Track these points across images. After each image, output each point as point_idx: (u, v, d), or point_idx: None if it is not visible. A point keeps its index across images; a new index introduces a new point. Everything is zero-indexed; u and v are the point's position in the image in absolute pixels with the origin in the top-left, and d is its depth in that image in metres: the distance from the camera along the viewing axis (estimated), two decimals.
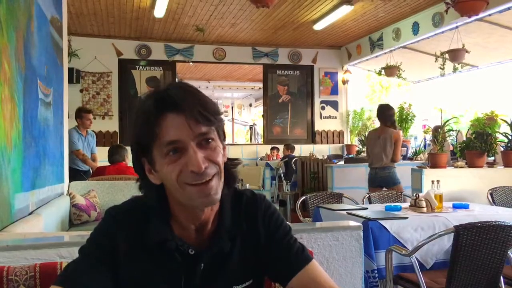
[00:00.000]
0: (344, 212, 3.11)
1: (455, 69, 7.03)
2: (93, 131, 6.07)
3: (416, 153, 6.91)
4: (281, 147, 9.08)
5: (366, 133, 8.65)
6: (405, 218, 2.87)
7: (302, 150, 9.11)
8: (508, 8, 5.63)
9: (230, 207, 1.04)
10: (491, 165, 4.56)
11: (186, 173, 0.90)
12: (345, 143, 9.55)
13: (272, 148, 9.24)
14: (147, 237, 0.97)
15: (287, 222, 1.11)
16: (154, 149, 0.92)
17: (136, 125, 0.94)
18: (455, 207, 3.30)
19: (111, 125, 8.38)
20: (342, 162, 6.49)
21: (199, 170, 0.89)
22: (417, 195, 3.27)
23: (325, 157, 7.39)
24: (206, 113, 0.91)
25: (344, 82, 9.62)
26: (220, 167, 0.94)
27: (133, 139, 0.96)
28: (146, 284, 0.97)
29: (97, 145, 7.00)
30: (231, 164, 1.02)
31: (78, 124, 5.54)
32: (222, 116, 0.99)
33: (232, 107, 15.55)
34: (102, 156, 5.99)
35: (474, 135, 4.47)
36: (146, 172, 0.97)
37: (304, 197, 4.00)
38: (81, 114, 5.56)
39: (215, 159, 0.93)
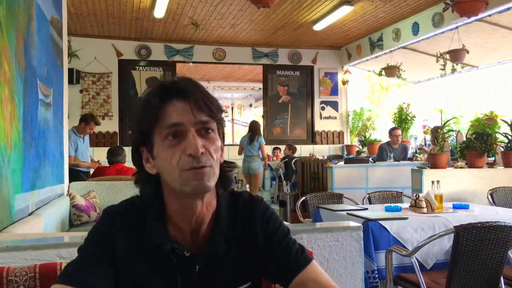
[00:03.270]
0: (344, 212, 3.11)
1: (453, 70, 7.03)
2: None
3: (416, 154, 6.91)
4: (282, 147, 9.10)
5: (366, 134, 8.72)
6: (405, 218, 2.87)
7: (302, 150, 9.11)
8: (508, 9, 5.63)
9: (227, 209, 1.04)
10: (491, 165, 4.56)
11: (184, 158, 0.91)
12: (345, 143, 9.56)
13: (275, 149, 9.25)
14: (144, 238, 0.97)
15: (287, 223, 1.11)
16: (154, 134, 0.94)
17: (140, 111, 0.97)
18: (455, 207, 3.30)
19: (111, 125, 8.38)
20: (342, 163, 6.48)
21: (196, 153, 0.91)
22: (417, 196, 3.27)
23: (325, 157, 7.39)
24: (210, 104, 0.95)
25: (344, 83, 9.63)
26: (215, 160, 0.95)
27: (135, 126, 0.99)
28: (142, 284, 0.97)
29: (96, 146, 7.03)
30: (227, 167, 1.03)
31: (78, 126, 5.51)
32: (223, 116, 1.01)
33: (232, 108, 15.56)
34: (101, 157, 6.00)
35: (474, 136, 4.47)
36: (143, 162, 0.98)
37: (304, 198, 4.00)
38: (90, 122, 5.50)
39: (211, 152, 0.94)
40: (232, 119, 15.60)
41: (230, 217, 1.03)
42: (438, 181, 3.27)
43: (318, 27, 7.60)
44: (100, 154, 6.11)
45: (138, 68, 8.67)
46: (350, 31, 8.23)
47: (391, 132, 6.59)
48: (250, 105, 15.55)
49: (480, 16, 5.72)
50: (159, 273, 0.97)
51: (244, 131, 17.04)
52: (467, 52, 6.52)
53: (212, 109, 0.95)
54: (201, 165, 0.92)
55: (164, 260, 0.97)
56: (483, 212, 3.12)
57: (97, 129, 6.73)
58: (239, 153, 7.57)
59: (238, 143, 7.89)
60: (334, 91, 9.60)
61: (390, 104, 14.79)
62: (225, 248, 1.00)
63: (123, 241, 0.97)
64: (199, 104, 0.93)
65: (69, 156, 5.22)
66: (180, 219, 0.99)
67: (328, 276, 1.03)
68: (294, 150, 8.57)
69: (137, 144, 0.99)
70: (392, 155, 6.36)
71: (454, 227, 2.30)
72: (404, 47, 7.82)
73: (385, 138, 7.85)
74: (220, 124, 0.98)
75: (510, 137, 4.48)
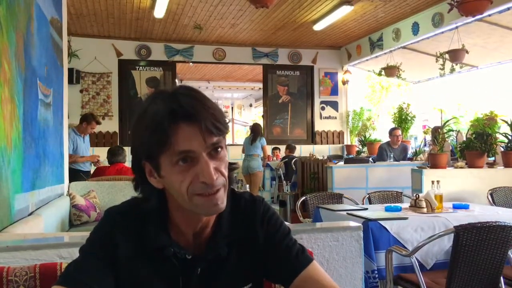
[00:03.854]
0: (344, 212, 3.11)
1: (452, 70, 7.03)
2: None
3: (416, 154, 6.91)
4: (282, 147, 9.10)
5: (366, 134, 8.72)
6: (405, 218, 2.87)
7: (302, 150, 9.11)
8: (508, 9, 5.63)
9: (229, 211, 1.03)
10: (491, 165, 4.56)
11: (196, 184, 0.89)
12: (345, 143, 9.55)
13: (274, 149, 9.25)
14: (145, 240, 0.97)
15: (287, 223, 1.11)
16: (162, 157, 0.90)
17: (145, 132, 0.90)
18: (455, 207, 3.30)
19: (111, 125, 8.38)
20: (342, 163, 6.48)
21: (211, 182, 0.89)
22: (417, 196, 3.27)
23: (325, 157, 7.39)
24: (219, 124, 0.91)
25: (344, 83, 9.63)
26: (226, 178, 0.95)
27: (139, 144, 0.94)
28: (143, 286, 0.97)
29: (96, 146, 7.07)
30: (229, 168, 1.02)
31: (79, 126, 5.54)
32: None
33: (232, 108, 15.56)
34: (101, 157, 6.01)
35: (474, 136, 4.46)
36: (146, 175, 0.95)
37: (304, 198, 4.00)
38: (91, 121, 5.55)
39: (223, 171, 0.93)
40: (232, 119, 15.60)
41: (231, 219, 1.03)
42: (438, 181, 3.27)
43: (318, 27, 7.60)
44: (100, 154, 6.09)
45: (138, 68, 8.66)
46: (350, 31, 8.23)
47: (391, 132, 6.60)
48: (250, 105, 15.55)
49: (480, 16, 5.71)
50: (161, 275, 0.97)
51: (244, 131, 17.09)
52: (467, 52, 6.52)
53: (221, 129, 0.92)
54: (215, 189, 0.91)
55: (165, 262, 0.97)
56: (483, 212, 3.12)
57: (97, 129, 6.76)
58: (243, 152, 7.71)
59: (238, 143, 7.95)
60: (334, 91, 9.60)
61: (390, 104, 14.80)
62: (227, 249, 1.00)
63: (124, 242, 0.97)
64: (209, 127, 0.89)
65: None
66: (184, 224, 0.99)
67: (328, 276, 1.03)
68: (293, 149, 8.57)
69: (139, 158, 0.95)
70: (392, 155, 6.37)
71: (454, 227, 2.30)
72: (404, 47, 7.82)
73: (385, 138, 7.85)
74: (226, 134, 0.97)
75: (510, 137, 4.47)
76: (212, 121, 0.90)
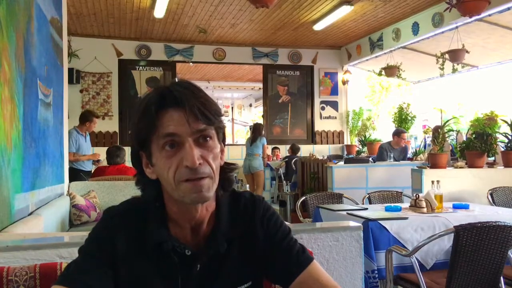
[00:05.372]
0: (344, 212, 3.11)
1: (454, 70, 7.03)
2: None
3: (416, 153, 6.91)
4: (282, 147, 9.09)
5: (366, 134, 8.72)
6: (405, 218, 2.87)
7: (302, 150, 9.11)
8: (508, 8, 5.63)
9: (228, 209, 1.04)
10: (491, 165, 4.56)
11: (181, 169, 0.91)
12: (345, 143, 9.55)
13: (274, 148, 9.25)
14: (145, 238, 0.98)
15: (287, 223, 1.11)
16: (152, 142, 0.94)
17: (137, 118, 0.95)
18: (455, 207, 3.30)
19: (111, 125, 8.38)
20: (342, 163, 6.48)
21: (193, 165, 0.90)
22: (417, 196, 3.27)
23: (325, 157, 7.39)
24: (206, 112, 0.92)
25: (344, 83, 9.63)
26: (214, 169, 0.94)
27: (133, 132, 0.98)
28: (143, 284, 0.97)
29: (96, 146, 7.10)
30: (227, 168, 1.02)
31: (82, 126, 5.58)
32: (223, 118, 0.99)
33: (232, 107, 15.56)
34: (101, 157, 6.03)
35: (474, 136, 4.46)
36: (143, 166, 0.98)
37: (304, 198, 4.00)
38: (92, 118, 5.68)
39: (210, 161, 0.93)
40: (232, 119, 15.60)
41: (230, 217, 1.03)
42: (438, 181, 3.27)
43: (318, 27, 7.60)
44: (100, 154, 6.13)
45: (138, 68, 8.66)
46: (350, 31, 8.23)
47: (400, 134, 6.49)
48: (250, 105, 15.55)
49: (480, 16, 5.71)
50: (160, 273, 0.97)
51: (245, 131, 17.09)
52: (467, 52, 6.52)
53: (209, 117, 0.92)
54: (198, 176, 0.91)
55: (165, 259, 0.97)
56: (483, 212, 3.12)
57: (97, 129, 6.78)
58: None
59: (238, 143, 7.95)
60: (334, 91, 9.60)
61: (390, 104, 14.81)
62: (226, 247, 1.00)
63: (124, 242, 0.98)
64: (194, 113, 0.91)
65: (69, 153, 5.27)
66: (180, 217, 0.99)
67: (329, 275, 1.03)
68: (296, 151, 8.50)
69: (136, 148, 0.98)
70: (391, 155, 6.36)
71: (454, 227, 2.30)
72: (404, 47, 7.82)
73: (385, 138, 7.85)
74: (220, 128, 0.97)
75: (510, 137, 4.47)
76: (199, 107, 0.92)
